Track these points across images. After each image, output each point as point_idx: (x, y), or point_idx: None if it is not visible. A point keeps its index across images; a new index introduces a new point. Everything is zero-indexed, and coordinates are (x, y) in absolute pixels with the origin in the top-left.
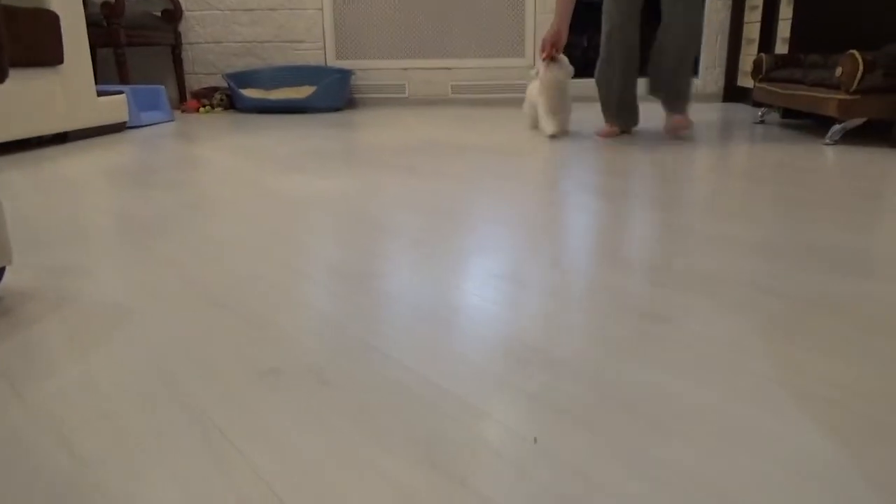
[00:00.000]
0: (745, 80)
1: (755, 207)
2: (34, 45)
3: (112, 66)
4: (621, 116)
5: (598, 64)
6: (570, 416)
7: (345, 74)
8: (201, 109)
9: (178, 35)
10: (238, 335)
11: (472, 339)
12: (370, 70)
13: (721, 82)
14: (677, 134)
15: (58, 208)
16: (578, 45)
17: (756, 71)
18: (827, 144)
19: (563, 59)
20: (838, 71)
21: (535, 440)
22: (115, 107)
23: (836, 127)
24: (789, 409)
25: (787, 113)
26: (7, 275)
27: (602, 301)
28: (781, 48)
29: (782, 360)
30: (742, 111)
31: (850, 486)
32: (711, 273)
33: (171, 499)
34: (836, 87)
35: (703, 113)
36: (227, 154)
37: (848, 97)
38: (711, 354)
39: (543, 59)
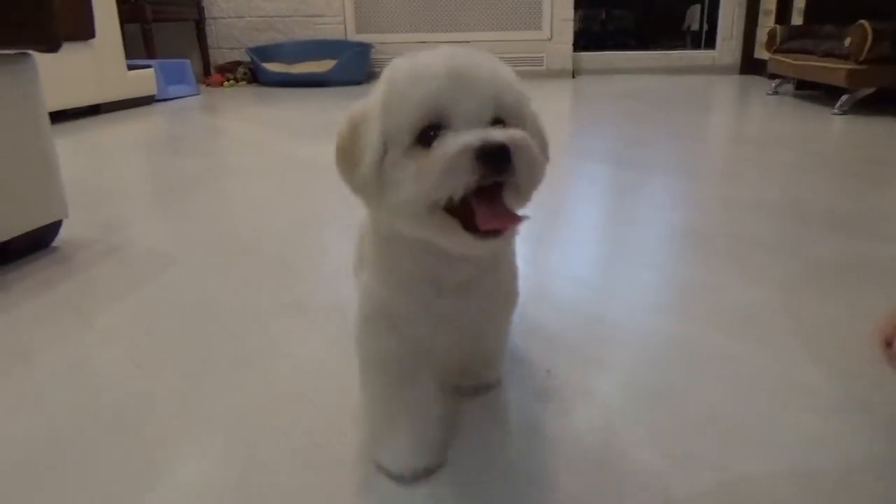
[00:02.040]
0: (762, 52)
1: (756, 173)
2: (68, 21)
3: (139, 42)
4: None
5: None
6: (585, 356)
7: (364, 48)
8: (225, 83)
9: (201, 10)
10: (266, 277)
11: None
12: (389, 44)
13: (738, 54)
14: None
15: (98, 172)
16: (596, 18)
17: (770, 42)
18: (836, 114)
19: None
20: (847, 41)
21: (548, 371)
22: (144, 80)
23: (845, 97)
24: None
25: (801, 84)
26: (62, 228)
27: (606, 251)
28: (798, 19)
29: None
30: (758, 83)
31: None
32: (709, 231)
33: (218, 401)
34: (845, 56)
35: (718, 85)
36: (251, 125)
37: (857, 67)
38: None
39: None
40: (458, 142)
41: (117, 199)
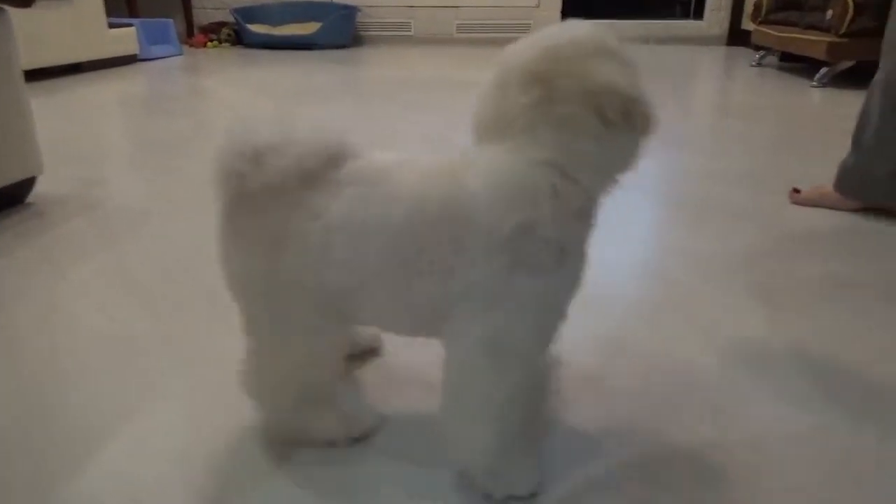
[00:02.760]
0: (749, 24)
1: (730, 144)
2: None
3: (121, 0)
4: None
5: None
6: None
7: (350, 11)
8: (209, 44)
9: None
10: None
11: None
12: (376, 7)
13: (725, 25)
14: None
15: (77, 130)
16: None
17: (755, 13)
18: (814, 87)
19: None
20: (829, 13)
21: None
22: (126, 39)
23: (824, 69)
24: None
25: (785, 56)
26: (38, 184)
27: None
28: None
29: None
30: (743, 54)
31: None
32: (688, 198)
33: (191, 347)
34: (827, 29)
35: (703, 56)
36: (233, 87)
37: (837, 40)
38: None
39: None
40: None
41: (95, 157)
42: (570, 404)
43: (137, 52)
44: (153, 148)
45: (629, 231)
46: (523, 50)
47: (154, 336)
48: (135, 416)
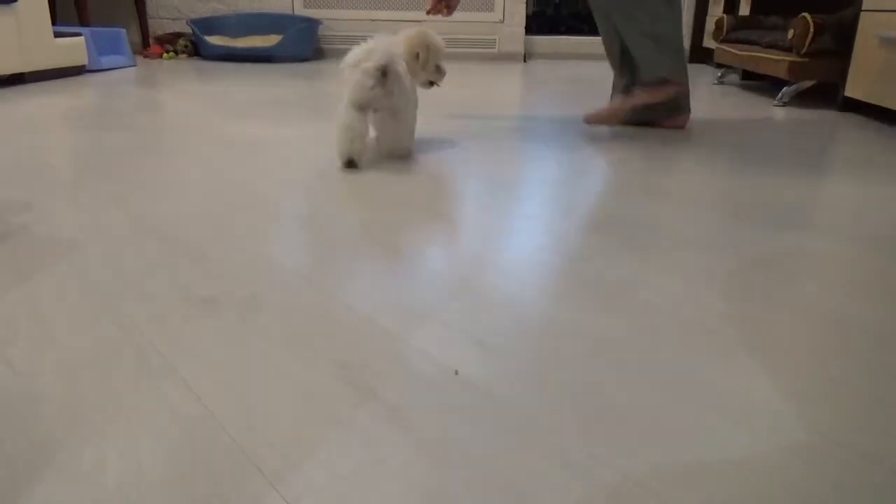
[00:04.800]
0: (711, 42)
1: (690, 164)
2: None
3: (71, 8)
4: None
5: None
6: (496, 351)
7: (312, 24)
8: (165, 55)
9: None
10: (178, 267)
11: (405, 275)
12: (338, 20)
13: (687, 43)
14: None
15: (11, 147)
16: (550, 1)
17: (717, 32)
18: (777, 106)
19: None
20: (790, 33)
21: (456, 372)
22: (74, 49)
23: (787, 89)
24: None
25: (747, 74)
26: None
27: (541, 253)
28: (745, 9)
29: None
30: (705, 72)
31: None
32: (653, 226)
33: (107, 409)
34: (788, 49)
35: None
36: (188, 100)
37: (798, 59)
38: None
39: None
40: None
41: (25, 178)
42: None
43: (86, 62)
44: (90, 168)
45: (571, 256)
46: (410, 32)
47: (66, 393)
48: (42, 487)
